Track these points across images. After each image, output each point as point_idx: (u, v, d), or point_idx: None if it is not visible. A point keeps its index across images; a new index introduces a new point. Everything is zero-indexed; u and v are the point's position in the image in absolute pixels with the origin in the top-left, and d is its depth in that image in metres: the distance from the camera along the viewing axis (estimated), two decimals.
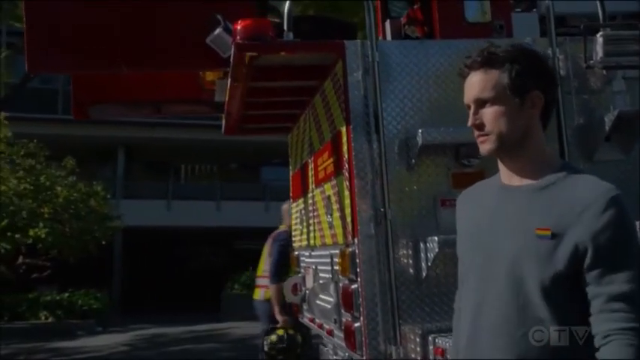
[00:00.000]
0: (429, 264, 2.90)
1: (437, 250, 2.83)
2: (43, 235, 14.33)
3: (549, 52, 3.16)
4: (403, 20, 4.04)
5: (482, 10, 3.60)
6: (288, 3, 3.10)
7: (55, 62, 3.79)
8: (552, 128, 3.10)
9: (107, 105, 4.52)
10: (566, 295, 1.50)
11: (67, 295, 14.98)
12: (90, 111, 4.46)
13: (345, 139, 3.09)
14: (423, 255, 2.94)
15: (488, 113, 1.61)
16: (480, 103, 1.62)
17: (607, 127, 3.05)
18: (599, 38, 3.09)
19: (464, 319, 1.72)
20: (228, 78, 3.46)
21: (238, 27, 3.06)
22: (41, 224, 14.27)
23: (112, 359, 11.03)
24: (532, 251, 1.52)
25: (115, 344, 12.29)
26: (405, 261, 2.99)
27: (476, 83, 1.62)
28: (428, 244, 2.90)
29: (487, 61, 1.61)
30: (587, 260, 1.47)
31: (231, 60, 3.16)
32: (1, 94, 13.87)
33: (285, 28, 3.09)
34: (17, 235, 14.48)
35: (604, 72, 3.16)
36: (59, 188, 15.03)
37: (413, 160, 3.00)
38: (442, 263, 2.91)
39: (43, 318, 14.29)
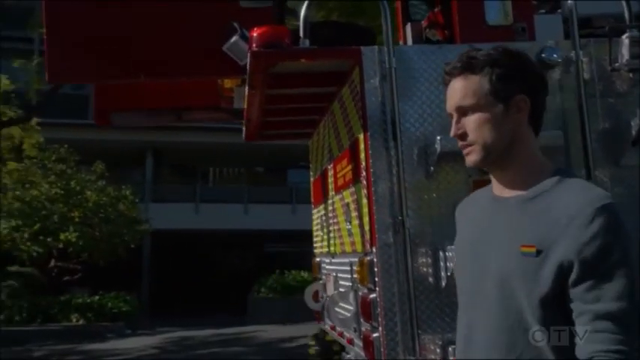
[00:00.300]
0: (449, 273, 2.83)
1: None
2: (73, 239, 14.62)
3: (572, 54, 3.07)
4: (424, 23, 3.98)
5: (504, 12, 3.52)
6: (304, 10, 3.07)
7: (75, 71, 3.83)
8: (576, 133, 3.02)
9: (128, 112, 4.57)
10: (559, 314, 1.40)
11: (97, 297, 15.22)
12: (111, 118, 4.51)
13: (362, 146, 3.05)
14: (442, 264, 2.88)
15: (471, 122, 1.51)
16: (462, 112, 1.53)
17: (633, 132, 2.96)
18: (625, 40, 3.00)
19: (457, 337, 1.65)
20: (246, 85, 3.45)
21: (254, 34, 3.04)
22: (72, 228, 14.55)
23: None
24: (519, 269, 1.43)
25: (144, 347, 12.43)
26: (425, 270, 2.93)
27: (457, 90, 1.53)
28: (447, 253, 2.84)
29: (467, 67, 1.51)
30: (573, 276, 1.36)
31: (248, 68, 3.14)
32: (33, 101, 14.14)
33: (302, 35, 3.06)
34: (49, 239, 14.80)
35: (630, 75, 3.05)
36: (89, 192, 15.32)
37: (432, 168, 2.94)
38: None
39: (74, 320, 14.54)
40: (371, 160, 2.97)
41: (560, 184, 1.47)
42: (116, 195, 16.00)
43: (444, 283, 2.87)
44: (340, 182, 3.70)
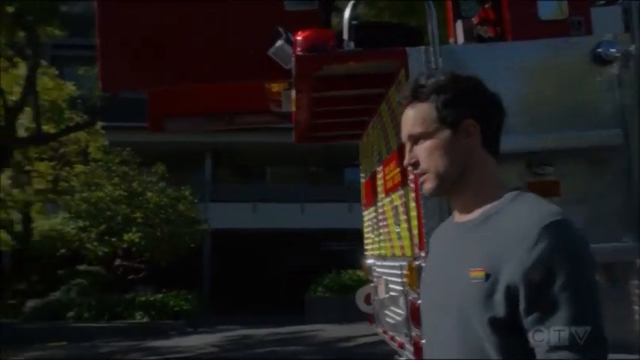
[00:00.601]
0: None
1: None
2: (136, 239, 15.09)
3: (632, 48, 2.91)
4: (475, 20, 3.88)
5: (559, 6, 3.38)
6: (348, 11, 3.04)
7: (128, 80, 3.94)
8: (637, 130, 2.87)
9: (181, 118, 4.65)
10: (519, 342, 1.32)
11: (159, 296, 15.64)
12: (165, 123, 4.60)
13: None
14: None
15: (422, 150, 1.49)
16: (414, 140, 1.51)
17: None
18: None
19: None
20: (293, 88, 3.45)
21: (298, 38, 3.03)
22: (134, 229, 15.02)
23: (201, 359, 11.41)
24: (471, 296, 1.36)
25: (204, 345, 12.68)
26: None
27: (408, 119, 1.52)
28: None
29: (415, 95, 1.51)
30: (522, 303, 1.29)
31: (293, 72, 3.14)
32: (96, 106, 14.69)
33: (346, 37, 3.03)
34: (113, 239, 15.34)
35: None
36: (150, 194, 15.76)
37: None
38: None
39: (138, 318, 15.00)
40: None
41: (511, 204, 1.42)
42: (176, 196, 16.42)
43: None
44: (389, 185, 3.65)
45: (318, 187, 22.67)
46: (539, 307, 1.28)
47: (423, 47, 2.98)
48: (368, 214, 4.78)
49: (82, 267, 16.77)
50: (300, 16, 3.63)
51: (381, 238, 4.05)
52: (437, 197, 2.80)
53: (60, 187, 16.00)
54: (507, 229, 1.35)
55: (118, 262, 16.62)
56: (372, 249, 4.53)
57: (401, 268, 3.37)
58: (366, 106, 3.88)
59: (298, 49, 3.02)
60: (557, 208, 1.37)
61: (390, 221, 3.66)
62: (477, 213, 1.46)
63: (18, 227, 16.54)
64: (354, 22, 3.11)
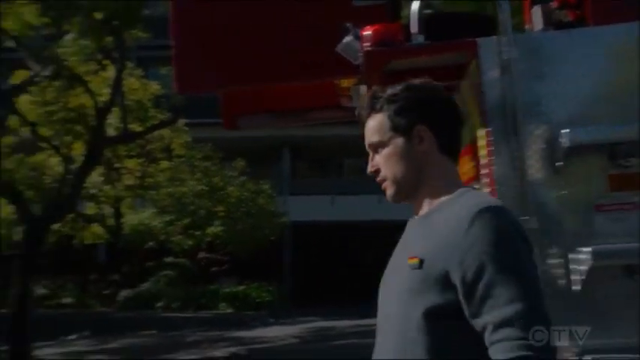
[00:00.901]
0: (582, 277, 2.62)
1: (591, 261, 2.55)
2: (219, 233, 15.58)
3: None
4: (554, 4, 3.70)
5: None
6: (416, 4, 2.97)
7: (202, 81, 4.02)
8: None
9: (254, 115, 4.70)
10: (454, 327, 1.36)
11: (242, 287, 16.09)
12: (239, 122, 4.67)
13: (483, 142, 2.90)
14: (574, 267, 2.67)
15: (380, 157, 1.61)
16: (374, 149, 1.63)
17: None
18: None
19: None
20: (362, 84, 3.42)
21: (366, 33, 3.00)
22: (217, 222, 15.51)
23: (283, 350, 11.65)
24: (408, 283, 1.43)
25: (285, 336, 12.94)
26: (554, 272, 2.73)
27: (368, 129, 1.63)
28: (579, 255, 2.62)
29: (372, 107, 1.61)
30: (461, 287, 1.34)
31: (362, 67, 3.11)
32: (178, 104, 15.20)
33: (414, 30, 2.96)
34: (197, 233, 15.91)
35: None
36: (231, 188, 16.21)
37: (559, 163, 2.73)
38: (598, 276, 2.61)
39: (222, 308, 15.51)
40: (492, 157, 2.82)
41: (457, 199, 1.47)
42: (256, 190, 16.79)
43: (576, 287, 2.66)
44: (464, 179, 3.56)
45: None
46: (479, 289, 1.32)
47: (495, 37, 2.88)
48: None
49: (169, 259, 17.52)
50: (368, 10, 3.58)
51: None
52: (508, 196, 2.74)
53: (146, 183, 16.72)
54: (446, 219, 1.43)
55: (201, 254, 17.24)
56: None
57: None
58: None
59: (366, 44, 2.99)
60: (496, 199, 1.50)
61: None
62: (427, 209, 1.55)
63: (110, 222, 17.46)
64: (423, 13, 3.05)
